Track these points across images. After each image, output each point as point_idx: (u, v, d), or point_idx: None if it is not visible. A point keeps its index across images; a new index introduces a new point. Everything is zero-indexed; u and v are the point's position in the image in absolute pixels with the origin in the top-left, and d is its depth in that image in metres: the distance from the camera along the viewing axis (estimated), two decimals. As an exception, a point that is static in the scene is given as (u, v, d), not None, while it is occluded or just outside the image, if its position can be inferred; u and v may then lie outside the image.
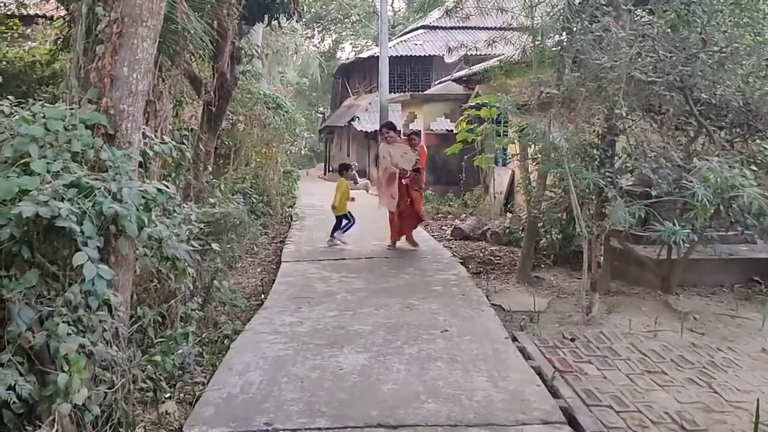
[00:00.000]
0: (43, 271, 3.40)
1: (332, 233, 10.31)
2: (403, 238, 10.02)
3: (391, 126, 10.20)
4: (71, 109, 3.74)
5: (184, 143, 6.47)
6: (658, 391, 4.54)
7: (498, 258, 9.46)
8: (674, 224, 5.45)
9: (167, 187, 4.00)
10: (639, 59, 5.92)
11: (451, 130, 16.49)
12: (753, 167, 5.74)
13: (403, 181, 9.29)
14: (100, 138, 3.73)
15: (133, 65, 3.88)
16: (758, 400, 3.93)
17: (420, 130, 11.24)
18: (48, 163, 3.37)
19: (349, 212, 10.35)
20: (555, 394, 4.43)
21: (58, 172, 3.38)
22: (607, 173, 6.20)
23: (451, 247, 10.41)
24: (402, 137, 10.79)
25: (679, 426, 3.97)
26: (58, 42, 7.82)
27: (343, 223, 10.34)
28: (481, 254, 9.75)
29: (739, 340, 5.69)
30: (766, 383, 4.63)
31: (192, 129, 8.67)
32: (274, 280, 7.87)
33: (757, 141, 6.58)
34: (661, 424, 4.01)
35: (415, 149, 9.74)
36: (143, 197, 3.57)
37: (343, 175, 10.81)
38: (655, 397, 4.41)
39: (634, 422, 4.01)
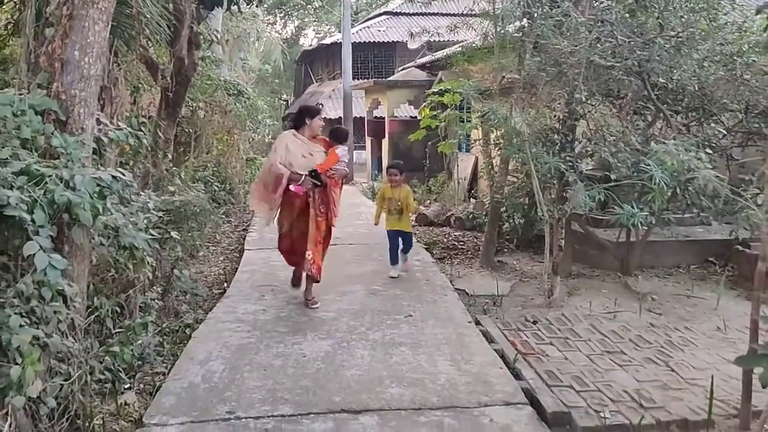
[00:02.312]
0: (-8, 262, 3.30)
1: None
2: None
3: (307, 112, 6.26)
4: (20, 94, 3.62)
5: (141, 130, 6.33)
6: (618, 370, 4.63)
7: (462, 243, 9.51)
8: (633, 207, 5.54)
9: (123, 174, 3.90)
10: (598, 44, 5.97)
11: (415, 117, 16.48)
12: (708, 150, 5.86)
13: (291, 187, 5.75)
14: (50, 124, 3.60)
15: (84, 49, 3.75)
16: (712, 377, 4.03)
17: (340, 128, 6.80)
18: (-5, 150, 3.26)
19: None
20: (517, 375, 4.48)
21: (7, 159, 3.26)
22: (567, 158, 6.27)
23: (415, 233, 10.40)
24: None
25: (638, 404, 4.06)
26: (9, 27, 7.55)
27: None
28: (445, 240, 9.79)
29: (695, 320, 5.84)
30: (720, 361, 4.75)
31: (150, 116, 8.49)
32: (237, 269, 7.78)
33: (712, 125, 6.72)
34: (620, 402, 4.09)
35: (325, 153, 6.18)
36: (97, 185, 3.47)
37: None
38: (614, 377, 4.50)
39: (594, 401, 4.09)
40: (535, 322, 5.72)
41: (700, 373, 4.53)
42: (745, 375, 3.75)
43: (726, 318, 5.75)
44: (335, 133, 6.39)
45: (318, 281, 6.06)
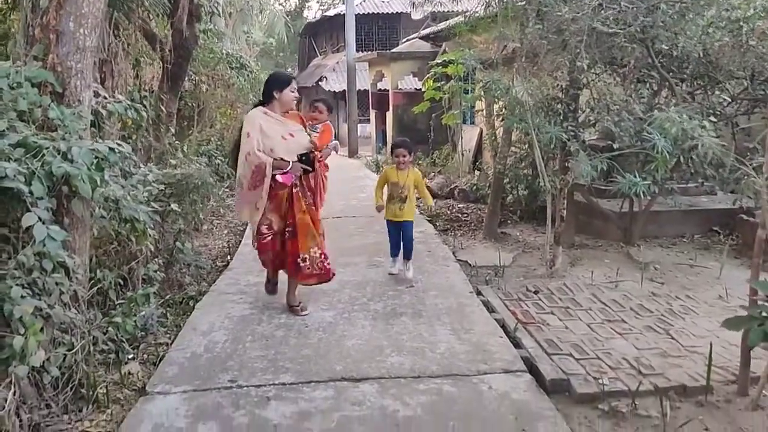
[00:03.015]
0: (-7, 234, 3.32)
1: None
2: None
3: (275, 82, 4.98)
4: (16, 66, 3.61)
5: (143, 104, 6.33)
6: (617, 338, 4.65)
7: (465, 215, 9.50)
8: (635, 177, 5.52)
9: (121, 146, 3.91)
10: (601, 11, 5.89)
11: (419, 89, 16.36)
12: (712, 118, 5.80)
13: (279, 178, 4.78)
14: (47, 96, 3.61)
15: (79, 20, 3.73)
16: (711, 344, 4.04)
17: (325, 99, 6.25)
18: (-8, 122, 3.26)
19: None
20: (517, 344, 4.50)
21: (4, 131, 3.26)
22: (570, 127, 6.23)
23: (418, 206, 10.41)
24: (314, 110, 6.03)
25: (637, 371, 4.07)
26: (9, 0, 7.52)
27: None
28: (448, 212, 9.78)
29: (697, 289, 5.84)
30: (720, 329, 4.70)
31: (153, 90, 8.47)
32: (240, 242, 7.81)
33: (717, 92, 6.65)
34: (619, 369, 4.11)
35: (313, 127, 5.65)
36: (95, 156, 3.47)
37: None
38: (614, 345, 4.51)
39: (593, 368, 4.11)
40: (536, 292, 5.73)
41: (700, 341, 4.54)
42: (744, 341, 3.76)
43: (728, 286, 5.75)
44: (319, 103, 5.97)
45: (330, 279, 5.17)
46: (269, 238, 4.97)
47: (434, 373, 3.99)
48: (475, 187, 10.63)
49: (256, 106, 4.96)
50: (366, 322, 4.91)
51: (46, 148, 3.28)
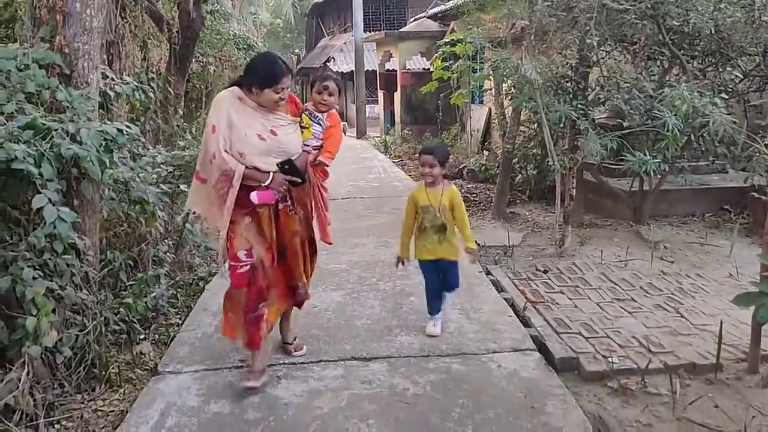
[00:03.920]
0: (4, 216, 3.34)
1: None
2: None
3: (263, 75, 3.46)
4: (23, 48, 3.61)
5: (151, 86, 6.32)
6: (627, 317, 4.65)
7: (474, 195, 9.49)
8: (645, 155, 5.48)
9: (130, 128, 3.91)
10: (611, -13, 5.81)
11: (428, 69, 16.25)
12: (723, 95, 5.75)
13: (254, 198, 3.46)
14: (55, 78, 3.60)
15: (85, 0, 3.72)
16: (721, 322, 4.03)
17: (336, 78, 3.89)
18: (1, 104, 3.26)
19: None
20: (526, 323, 4.51)
21: (12, 113, 3.27)
22: (579, 106, 6.18)
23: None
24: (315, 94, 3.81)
25: (646, 349, 4.07)
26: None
27: None
28: (457, 192, 9.75)
29: (708, 267, 5.82)
30: (731, 307, 4.71)
31: (160, 72, 8.45)
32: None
33: (729, 69, 6.57)
34: (629, 347, 4.11)
35: (313, 116, 3.77)
36: (103, 138, 3.48)
37: None
38: (623, 323, 4.51)
39: (602, 347, 4.11)
40: (545, 272, 5.73)
41: (710, 319, 4.53)
42: (755, 319, 3.75)
43: (739, 265, 5.72)
44: (326, 80, 3.78)
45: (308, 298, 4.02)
46: (246, 268, 3.49)
47: (443, 352, 4.01)
48: (484, 167, 10.61)
49: (230, 85, 3.58)
50: (375, 302, 4.93)
51: (55, 130, 3.29)
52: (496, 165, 9.85)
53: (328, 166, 3.73)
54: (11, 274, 3.13)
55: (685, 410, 3.41)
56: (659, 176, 6.74)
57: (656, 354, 3.99)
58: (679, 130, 5.19)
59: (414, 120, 17.75)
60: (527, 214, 8.14)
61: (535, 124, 8.32)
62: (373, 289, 5.25)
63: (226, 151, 3.37)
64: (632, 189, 7.37)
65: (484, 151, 12.51)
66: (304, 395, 3.52)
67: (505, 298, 4.99)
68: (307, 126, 3.71)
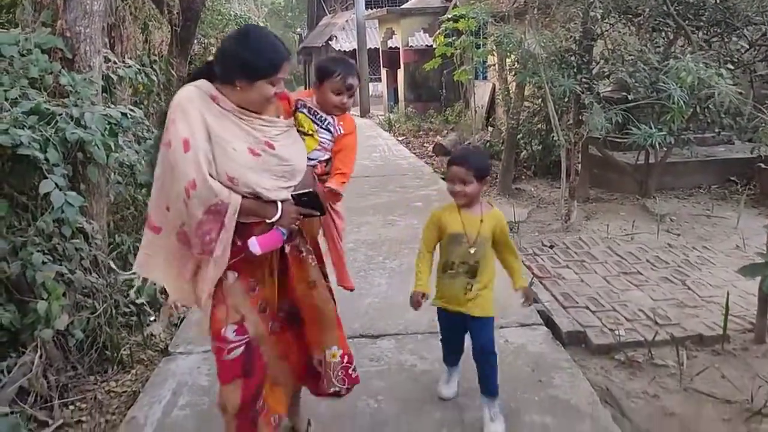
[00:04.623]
0: (12, 202, 3.36)
1: None
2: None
3: (253, 64, 2.26)
4: (25, 33, 3.61)
5: (153, 69, 6.30)
6: (634, 290, 4.66)
7: (479, 172, 9.45)
8: (651, 128, 5.45)
9: (134, 111, 3.92)
10: (614, -42, 5.75)
11: (431, 45, 16.13)
12: (729, 66, 5.70)
13: (254, 246, 2.30)
14: (57, 62, 3.61)
15: (85, -16, 3.71)
16: (728, 293, 4.04)
17: (353, 66, 2.64)
18: (5, 90, 3.27)
19: None
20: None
21: (16, 99, 3.28)
22: (583, 79, 6.15)
23: (432, 164, 10.41)
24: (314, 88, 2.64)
25: (653, 321, 4.09)
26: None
27: None
28: (462, 169, 9.73)
29: (714, 239, 5.81)
30: (737, 278, 4.70)
31: (162, 55, 8.43)
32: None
33: (734, 39, 6.50)
34: (636, 320, 4.13)
35: (318, 119, 2.60)
36: (107, 122, 3.49)
37: None
38: (630, 296, 4.53)
39: (609, 320, 4.13)
40: (551, 247, 5.74)
41: (716, 291, 4.54)
42: (761, 290, 3.76)
43: (746, 236, 5.71)
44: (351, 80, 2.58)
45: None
46: (241, 349, 2.39)
47: (451, 328, 4.03)
48: (488, 144, 10.57)
49: (194, 78, 2.39)
50: (382, 281, 4.95)
51: (59, 115, 3.30)
52: (501, 141, 9.82)
53: (341, 195, 2.57)
54: (21, 259, 3.17)
55: (691, 381, 3.43)
56: (665, 149, 6.72)
57: (663, 326, 4.01)
58: (684, 102, 5.15)
59: (418, 97, 17.69)
60: (532, 189, 8.14)
61: (540, 99, 8.27)
62: (380, 267, 5.27)
63: (211, 175, 2.19)
64: (638, 162, 7.35)
65: (489, 127, 12.45)
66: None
67: (511, 274, 4.99)
68: (310, 132, 2.55)
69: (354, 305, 4.47)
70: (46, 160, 3.15)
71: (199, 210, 2.20)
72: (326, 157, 2.59)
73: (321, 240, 2.77)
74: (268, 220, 2.34)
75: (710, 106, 5.82)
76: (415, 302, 2.99)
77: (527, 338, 3.88)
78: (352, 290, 2.99)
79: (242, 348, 2.39)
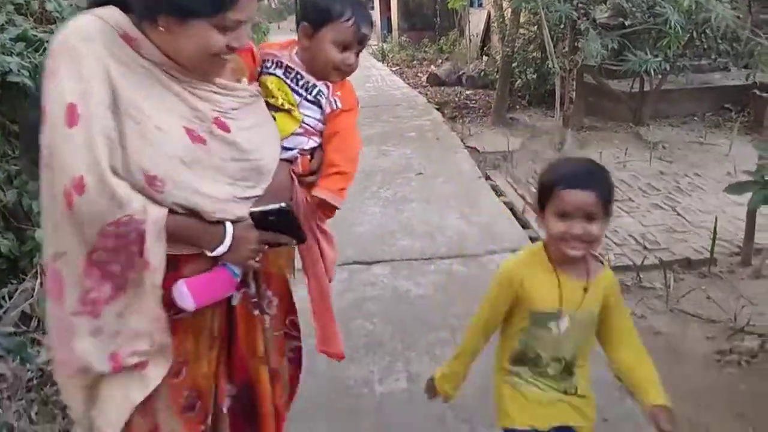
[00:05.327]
0: (4, 130, 3.35)
1: None
2: None
3: None
4: (7, -43, 3.50)
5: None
6: (624, 216, 4.72)
7: (473, 102, 9.41)
8: (647, 54, 5.40)
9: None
10: None
11: (424, -28, 15.72)
12: (728, -11, 5.59)
13: (184, 300, 1.34)
14: (42, -13, 3.52)
15: None
16: (716, 218, 4.10)
17: (368, 13, 1.64)
18: (-11, 16, 3.21)
19: None
20: (525, 225, 4.59)
21: (3, 25, 3.21)
22: (580, 5, 6.04)
23: (426, 94, 10.32)
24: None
25: (642, 246, 4.17)
26: None
27: None
28: (456, 99, 9.68)
29: (706, 166, 5.85)
30: (727, 204, 4.80)
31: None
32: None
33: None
34: (625, 245, 4.20)
35: (302, 85, 1.62)
36: (96, 48, 3.43)
37: None
38: (620, 223, 4.59)
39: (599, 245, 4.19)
40: (545, 175, 5.76)
41: (706, 216, 4.60)
42: (749, 215, 3.82)
43: (737, 163, 5.72)
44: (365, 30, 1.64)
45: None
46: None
47: (444, 255, 4.10)
48: (483, 73, 10.46)
49: (97, 2, 1.35)
50: (376, 209, 4.99)
51: (47, 41, 3.24)
52: (496, 70, 9.70)
53: (338, 208, 1.73)
54: (16, 188, 3.17)
55: (678, 302, 3.52)
56: (660, 76, 6.67)
57: (652, 251, 4.09)
58: (681, 26, 5.10)
59: (411, 26, 17.33)
60: (527, 119, 8.10)
61: (535, 26, 8.14)
62: (374, 196, 5.31)
63: (115, 172, 1.25)
64: (632, 90, 7.30)
65: (484, 56, 12.27)
66: (306, 298, 3.62)
67: (504, 202, 5.05)
68: (286, 107, 1.64)
69: (349, 233, 4.53)
70: (37, 88, 3.11)
71: (88, 231, 1.25)
72: (312, 145, 1.68)
73: (295, 277, 1.88)
74: (209, 253, 1.40)
75: (707, 31, 5.76)
76: (429, 392, 1.85)
77: (519, 263, 3.95)
78: (341, 359, 1.96)
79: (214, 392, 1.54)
